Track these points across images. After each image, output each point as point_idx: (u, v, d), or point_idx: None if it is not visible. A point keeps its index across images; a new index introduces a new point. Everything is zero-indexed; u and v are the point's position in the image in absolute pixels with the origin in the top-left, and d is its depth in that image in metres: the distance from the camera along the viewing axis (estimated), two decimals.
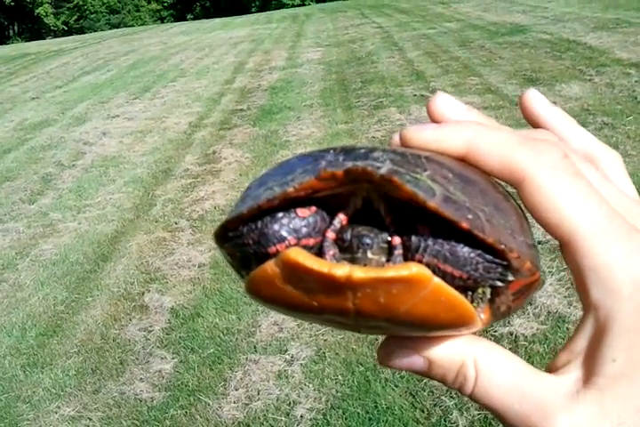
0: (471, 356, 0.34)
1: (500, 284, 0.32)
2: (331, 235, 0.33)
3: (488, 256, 0.31)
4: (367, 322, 0.32)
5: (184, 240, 4.20)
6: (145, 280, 3.77)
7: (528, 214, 0.35)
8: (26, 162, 6.70)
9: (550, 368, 0.35)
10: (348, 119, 6.40)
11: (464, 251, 0.31)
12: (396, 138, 0.37)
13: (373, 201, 0.33)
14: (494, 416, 0.34)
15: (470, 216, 0.31)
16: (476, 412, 2.33)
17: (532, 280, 0.34)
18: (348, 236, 0.32)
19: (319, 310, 0.32)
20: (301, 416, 2.50)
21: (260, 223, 0.33)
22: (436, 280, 0.30)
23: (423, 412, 2.41)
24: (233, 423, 2.53)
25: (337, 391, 2.61)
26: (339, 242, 0.33)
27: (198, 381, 2.83)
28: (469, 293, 0.33)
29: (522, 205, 0.35)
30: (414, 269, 0.30)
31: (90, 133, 7.44)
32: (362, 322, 0.32)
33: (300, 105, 7.36)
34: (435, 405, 2.42)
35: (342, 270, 0.29)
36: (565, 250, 0.33)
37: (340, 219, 0.34)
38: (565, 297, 2.90)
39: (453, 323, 0.32)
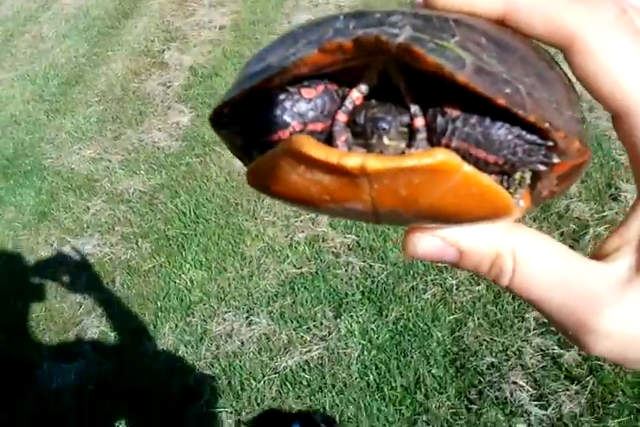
0: (508, 246, 0.29)
1: (543, 168, 0.28)
2: (342, 117, 0.28)
3: (529, 137, 0.26)
4: (387, 215, 0.28)
5: (205, 1, 4.09)
6: (165, 39, 3.76)
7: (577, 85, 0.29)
8: None
9: (598, 255, 0.30)
10: None
11: (500, 132, 0.26)
12: None
13: (391, 76, 0.28)
14: (535, 309, 0.31)
15: (508, 90, 0.25)
16: None
17: (581, 161, 0.28)
18: (361, 119, 0.28)
19: (332, 204, 0.28)
20: None
21: (258, 107, 0.28)
22: (467, 168, 0.26)
23: None
24: (241, 172, 2.67)
25: None
26: (351, 125, 0.28)
27: (213, 135, 2.93)
28: (505, 177, 0.28)
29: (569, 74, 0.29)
30: (440, 157, 0.25)
31: None
32: (381, 215, 0.29)
33: None
34: None
35: (354, 160, 0.25)
36: (619, 124, 0.28)
37: (353, 98, 0.29)
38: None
39: (487, 215, 0.28)
